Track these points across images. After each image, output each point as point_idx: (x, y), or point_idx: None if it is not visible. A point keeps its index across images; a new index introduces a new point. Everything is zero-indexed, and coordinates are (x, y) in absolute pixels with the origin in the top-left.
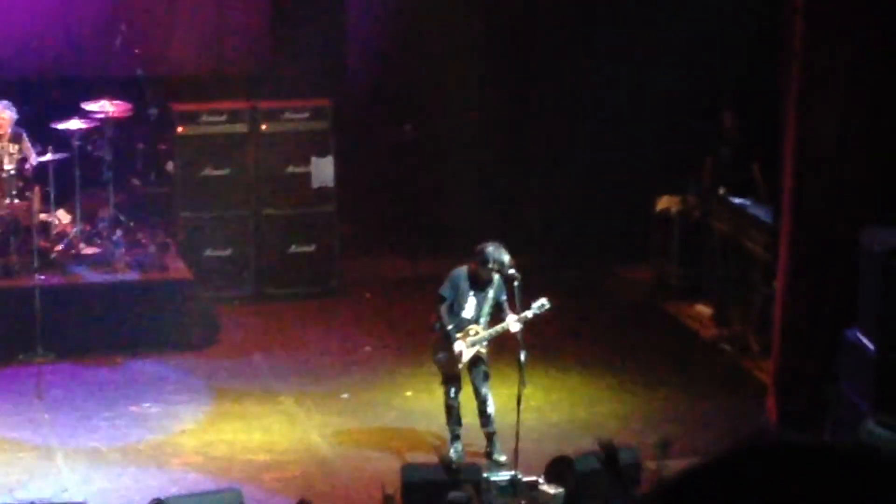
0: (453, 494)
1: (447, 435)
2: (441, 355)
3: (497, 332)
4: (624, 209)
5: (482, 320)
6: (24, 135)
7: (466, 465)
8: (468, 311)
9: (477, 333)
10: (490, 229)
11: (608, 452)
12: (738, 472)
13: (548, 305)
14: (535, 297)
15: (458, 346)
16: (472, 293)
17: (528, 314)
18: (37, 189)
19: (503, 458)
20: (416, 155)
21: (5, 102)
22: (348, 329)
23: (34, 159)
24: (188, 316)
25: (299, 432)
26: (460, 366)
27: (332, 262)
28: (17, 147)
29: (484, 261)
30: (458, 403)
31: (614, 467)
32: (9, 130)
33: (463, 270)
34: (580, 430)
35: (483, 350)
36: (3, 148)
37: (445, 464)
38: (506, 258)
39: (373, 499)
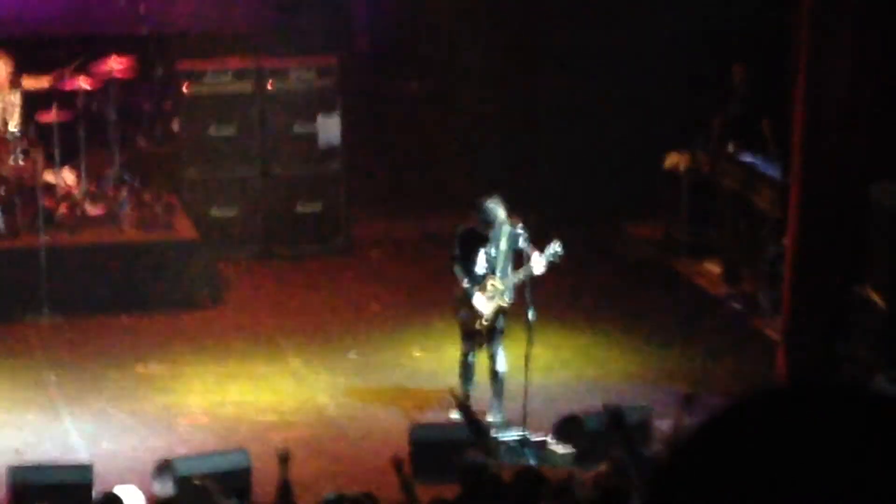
0: (470, 455)
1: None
2: (463, 312)
3: (514, 281)
4: (632, 166)
5: (498, 273)
6: (22, 80)
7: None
8: (480, 265)
9: (494, 286)
10: (497, 186)
11: (613, 416)
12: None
13: (561, 251)
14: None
15: (477, 300)
16: (481, 249)
17: (543, 261)
18: (41, 149)
19: (492, 418)
20: (422, 112)
21: None
22: (355, 288)
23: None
24: (194, 276)
25: (307, 392)
26: (481, 323)
27: (338, 221)
28: (18, 95)
29: (480, 215)
30: (474, 362)
31: (622, 430)
32: (6, 81)
33: (465, 227)
34: (589, 390)
35: (505, 303)
36: (3, 99)
37: (461, 404)
38: (501, 212)
39: (381, 458)
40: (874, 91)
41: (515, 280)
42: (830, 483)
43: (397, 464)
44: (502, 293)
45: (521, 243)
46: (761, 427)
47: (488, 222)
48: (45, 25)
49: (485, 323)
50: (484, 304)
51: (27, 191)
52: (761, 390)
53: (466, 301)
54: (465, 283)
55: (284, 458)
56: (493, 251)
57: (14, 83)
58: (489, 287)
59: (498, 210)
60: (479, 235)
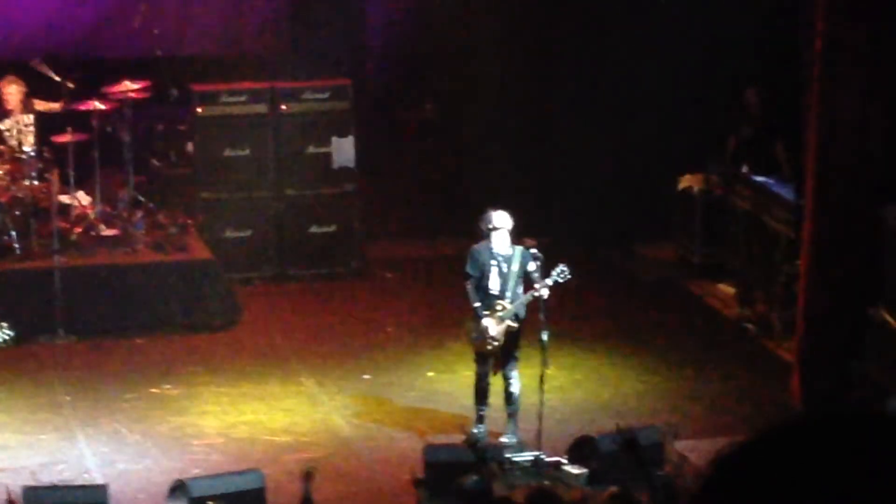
0: (467, 480)
1: (471, 415)
2: (474, 334)
3: (524, 302)
4: (646, 188)
5: (508, 294)
6: (35, 103)
7: (490, 446)
8: (493, 285)
9: (504, 308)
10: (512, 209)
11: (627, 438)
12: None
13: (568, 271)
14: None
15: (486, 322)
16: (493, 266)
17: (550, 281)
18: (56, 171)
19: (506, 439)
20: (437, 134)
21: (11, 77)
22: (370, 310)
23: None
24: (209, 297)
25: (321, 413)
26: (492, 345)
27: (353, 243)
28: (31, 117)
29: (483, 220)
30: (488, 384)
31: (635, 453)
32: (20, 104)
33: (480, 245)
34: (603, 411)
35: (515, 325)
36: (17, 122)
37: (470, 443)
38: (503, 222)
39: (395, 479)
40: (886, 114)
41: (524, 302)
42: None
43: (416, 482)
44: (512, 315)
45: (531, 266)
46: (792, 456)
47: (490, 225)
48: (59, 48)
49: (496, 344)
50: (493, 326)
51: (42, 212)
52: (787, 420)
53: (477, 323)
54: (476, 304)
55: (308, 476)
56: (504, 271)
57: (27, 106)
58: (498, 309)
59: (503, 216)
60: (492, 253)
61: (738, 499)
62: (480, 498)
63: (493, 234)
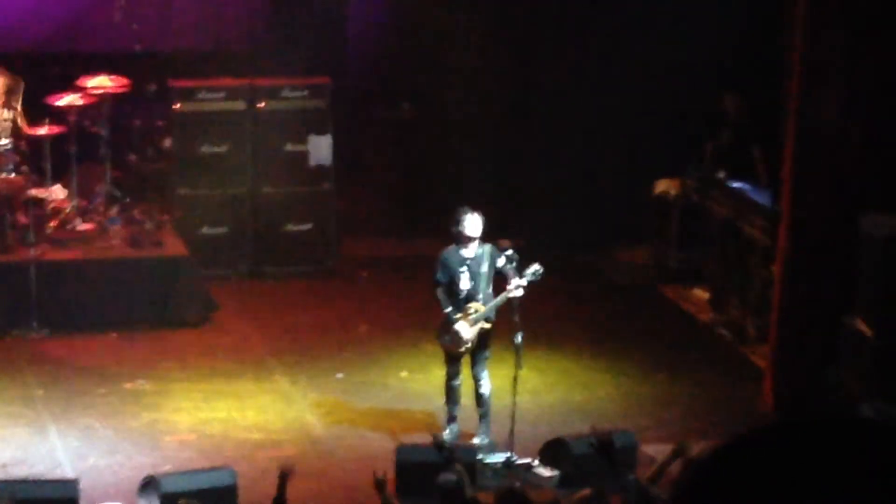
0: (443, 477)
1: (443, 416)
2: (446, 337)
3: (497, 303)
4: (622, 192)
5: (480, 296)
6: (19, 103)
7: (461, 447)
8: (464, 287)
9: (476, 311)
10: (487, 210)
11: (601, 441)
12: (779, 444)
13: (541, 270)
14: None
15: (459, 325)
16: (462, 270)
17: (523, 281)
18: (32, 164)
19: (478, 441)
20: (414, 134)
21: None
22: (344, 308)
23: (26, 128)
24: (183, 293)
25: (294, 411)
26: (464, 347)
27: (328, 241)
28: (10, 114)
29: (455, 222)
30: (459, 384)
31: (609, 457)
32: (1, 98)
33: (449, 248)
34: (576, 413)
35: (488, 326)
36: None
37: (438, 444)
38: (474, 222)
39: (367, 478)
40: (865, 122)
41: (496, 303)
42: None
43: (379, 483)
44: (484, 317)
45: (500, 262)
46: (766, 460)
47: (461, 226)
48: (38, 43)
49: (468, 347)
50: (466, 329)
51: (17, 205)
52: (760, 425)
53: (448, 326)
54: (448, 309)
55: (285, 475)
56: (475, 272)
57: (8, 102)
58: (471, 311)
59: (474, 217)
60: (461, 257)
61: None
62: (455, 496)
63: (466, 242)
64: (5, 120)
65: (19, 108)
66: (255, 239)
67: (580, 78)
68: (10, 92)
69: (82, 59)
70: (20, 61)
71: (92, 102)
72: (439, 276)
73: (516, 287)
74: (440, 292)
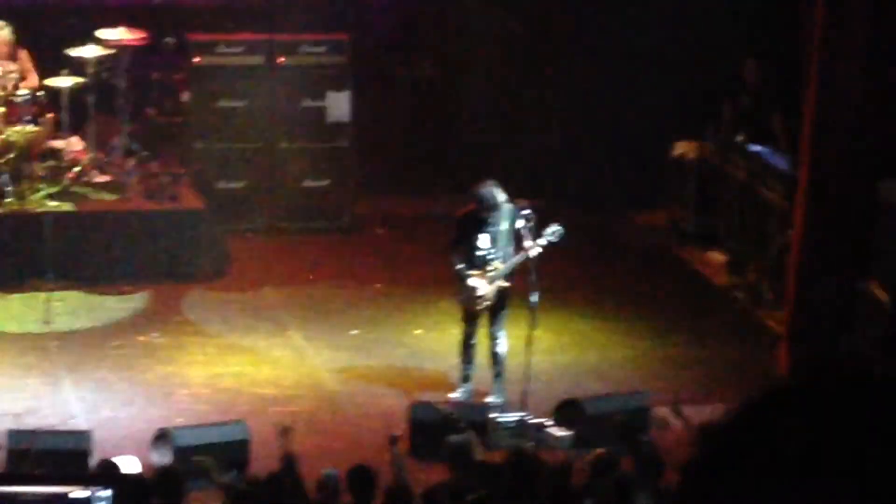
0: (453, 438)
1: (456, 375)
2: (463, 295)
3: (516, 262)
4: (640, 154)
5: (499, 254)
6: (26, 54)
7: (474, 406)
8: (482, 247)
9: (495, 269)
10: (505, 169)
11: (626, 429)
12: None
13: (561, 230)
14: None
15: (475, 281)
16: (482, 229)
17: (543, 241)
18: (50, 115)
19: (492, 399)
20: (433, 92)
21: (1, 22)
22: (359, 265)
23: (33, 79)
24: (199, 247)
25: (307, 367)
26: (483, 304)
27: (345, 198)
28: (15, 66)
29: (481, 203)
30: (475, 343)
31: (632, 442)
32: (5, 49)
33: (465, 212)
34: (590, 374)
35: (506, 284)
36: (3, 67)
37: (446, 417)
38: (500, 198)
39: (378, 435)
40: (885, 89)
41: (515, 262)
42: (859, 472)
43: (392, 440)
44: (503, 275)
45: (519, 223)
46: (784, 422)
47: (490, 207)
48: None
49: (487, 304)
50: (485, 286)
51: (34, 156)
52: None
53: (466, 283)
54: (460, 266)
55: (285, 432)
56: (495, 232)
57: (13, 54)
58: (490, 269)
59: (496, 192)
60: (480, 219)
61: (729, 468)
62: (464, 456)
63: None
64: (10, 72)
65: (25, 57)
66: (272, 194)
67: (602, 41)
68: (9, 44)
69: (101, 10)
70: (40, 13)
71: (110, 54)
72: (455, 235)
73: (534, 246)
74: (453, 253)
